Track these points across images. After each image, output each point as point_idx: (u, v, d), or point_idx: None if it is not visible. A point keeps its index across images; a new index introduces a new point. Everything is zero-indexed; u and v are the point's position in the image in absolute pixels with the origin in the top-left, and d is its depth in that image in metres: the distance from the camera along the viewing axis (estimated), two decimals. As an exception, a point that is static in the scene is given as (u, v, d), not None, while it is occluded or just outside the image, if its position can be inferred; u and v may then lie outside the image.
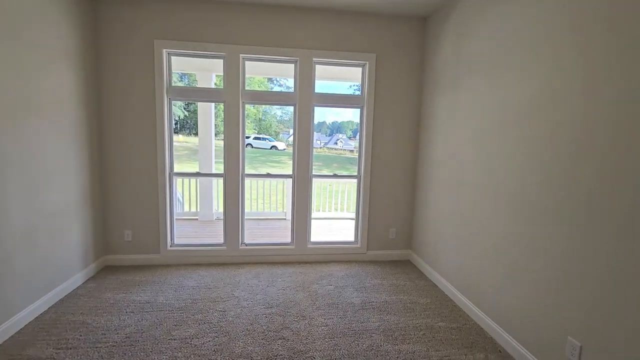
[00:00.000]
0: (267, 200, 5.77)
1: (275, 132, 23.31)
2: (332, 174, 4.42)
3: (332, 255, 3.72)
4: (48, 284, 2.55)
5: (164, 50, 3.24)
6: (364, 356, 2.09)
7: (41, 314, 2.44)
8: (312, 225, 3.81)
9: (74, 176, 2.85)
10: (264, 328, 2.36)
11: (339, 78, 5.10)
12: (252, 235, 4.61)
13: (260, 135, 19.53)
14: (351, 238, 3.97)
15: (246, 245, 3.63)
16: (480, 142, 2.54)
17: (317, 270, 3.44)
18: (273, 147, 18.46)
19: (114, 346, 2.11)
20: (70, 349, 2.07)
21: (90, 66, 3.04)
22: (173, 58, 3.40)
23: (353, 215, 5.74)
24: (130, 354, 2.04)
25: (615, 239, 1.51)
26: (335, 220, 5.62)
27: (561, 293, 1.79)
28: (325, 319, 2.51)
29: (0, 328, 2.10)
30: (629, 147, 1.45)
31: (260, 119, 23.43)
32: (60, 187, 2.67)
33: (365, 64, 3.55)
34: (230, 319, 2.47)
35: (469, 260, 2.67)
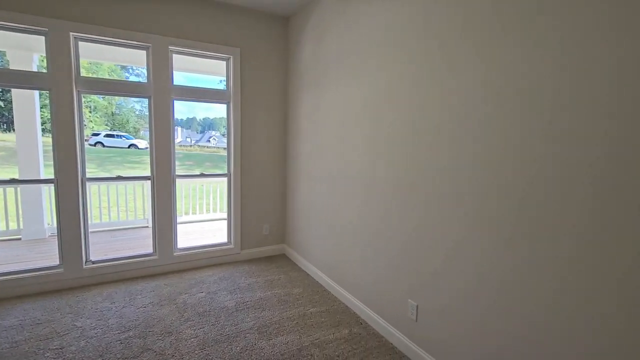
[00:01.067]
0: (122, 207, 4.96)
1: (134, 128, 20.36)
2: (198, 172, 4.12)
3: (204, 260, 3.48)
4: None
5: (-57, 13, 2.36)
6: (239, 359, 2.03)
7: None
8: (180, 230, 3.47)
9: None
10: (119, 356, 2.02)
11: (208, 72, 4.80)
12: (103, 249, 3.90)
13: (115, 132, 16.71)
14: (224, 239, 3.81)
15: (92, 263, 3.03)
16: (339, 137, 2.79)
17: (186, 278, 3.16)
18: (132, 145, 16.07)
19: None
20: None
21: None
22: (-40, 26, 2.52)
23: (225, 215, 5.54)
24: None
25: (438, 216, 1.88)
26: (208, 223, 5.30)
27: (401, 266, 2.14)
28: (195, 330, 2.33)
29: None
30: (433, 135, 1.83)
31: (113, 113, 20.05)
32: None
33: (230, 58, 3.43)
34: (70, 356, 2.02)
35: (333, 246, 2.91)
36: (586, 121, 1.22)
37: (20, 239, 4.13)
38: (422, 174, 1.96)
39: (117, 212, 4.91)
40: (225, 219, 5.34)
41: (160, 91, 3.12)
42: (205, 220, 5.39)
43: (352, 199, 2.63)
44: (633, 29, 1.10)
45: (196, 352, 2.09)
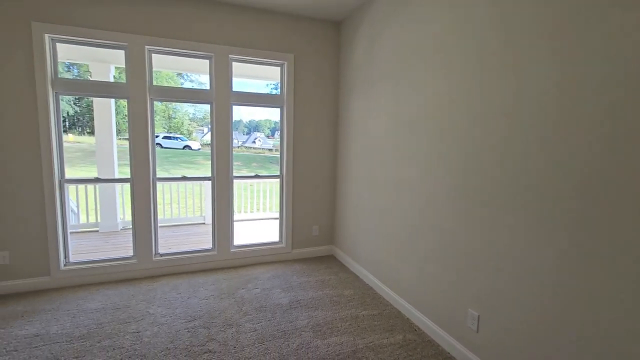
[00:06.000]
0: (182, 205, 5.35)
1: (188, 130, 21.74)
2: (253, 174, 4.32)
3: (257, 257, 3.64)
4: None
5: (47, 35, 2.73)
6: (295, 355, 2.11)
7: None
8: (235, 228, 3.67)
9: None
10: (187, 344, 2.20)
11: (256, 76, 5.02)
12: (167, 244, 4.23)
13: (171, 134, 17.99)
14: (275, 238, 3.95)
15: (161, 255, 3.31)
16: (392, 141, 2.77)
17: (242, 274, 3.33)
18: (186, 146, 17.20)
19: (-10, 396, 1.72)
20: None
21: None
22: (59, 45, 2.89)
23: (276, 215, 5.73)
24: (15, 402, 1.69)
25: (506, 229, 1.81)
26: (258, 221, 5.52)
27: (461, 273, 2.08)
28: (253, 324, 2.45)
29: None
30: (521, 142, 1.76)
31: (170, 117, 21.56)
32: None
33: (284, 63, 3.56)
34: (146, 339, 2.23)
35: (386, 251, 2.90)
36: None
37: (97, 231, 4.62)
38: (486, 179, 1.89)
39: (178, 209, 5.30)
40: (274, 219, 5.56)
41: (221, 97, 3.33)
42: (255, 219, 5.62)
43: (404, 203, 2.60)
44: None
45: (255, 345, 2.21)
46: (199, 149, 17.63)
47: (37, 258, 2.88)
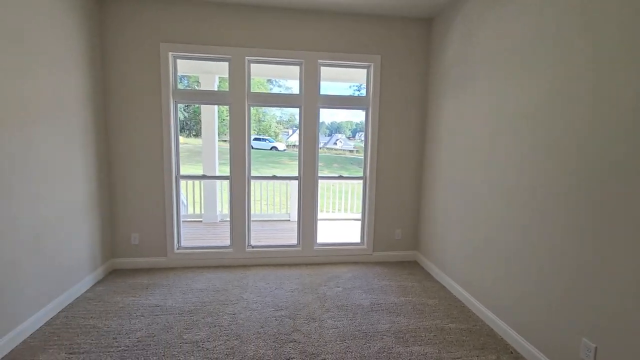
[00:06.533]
0: (270, 202, 5.77)
1: (274, 132, 23.28)
2: (337, 175, 4.42)
3: (339, 256, 3.72)
4: (57, 288, 2.55)
5: (170, 53, 3.23)
6: (376, 358, 2.10)
7: (51, 319, 2.43)
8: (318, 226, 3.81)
9: (81, 180, 2.84)
10: (275, 331, 2.37)
11: (339, 79, 5.12)
12: (257, 237, 4.61)
13: (260, 136, 19.50)
14: (356, 239, 3.97)
15: (252, 247, 3.63)
16: (489, 145, 2.55)
17: (324, 272, 3.44)
18: (273, 147, 18.44)
19: (125, 350, 2.11)
20: (83, 353, 2.07)
21: (96, 69, 3.03)
22: (177, 61, 3.39)
23: (357, 216, 5.76)
24: (143, 358, 2.04)
25: (629, 244, 1.51)
26: (339, 221, 5.63)
27: (574, 295, 1.80)
28: (335, 321, 2.51)
29: (9, 335, 2.09)
30: (643, 149, 1.46)
31: (259, 120, 23.39)
32: (67, 192, 2.67)
33: (370, 65, 3.56)
34: (241, 322, 2.47)
35: (479, 263, 2.67)
36: None
37: (201, 221, 5.28)
38: (610, 192, 1.60)
39: (267, 206, 5.73)
40: (355, 220, 5.60)
41: (309, 101, 3.49)
42: (335, 219, 5.74)
43: (505, 213, 2.36)
44: None
45: (337, 342, 2.26)
46: (284, 149, 18.73)
47: (157, 241, 3.43)
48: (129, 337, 2.24)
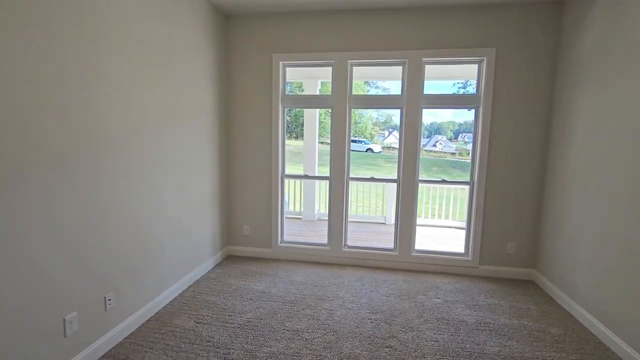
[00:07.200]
0: (366, 204, 5.78)
1: (370, 134, 23.24)
2: (439, 179, 4.16)
3: (438, 266, 3.49)
4: (189, 265, 3.04)
5: (281, 62, 3.53)
6: (483, 383, 1.90)
7: (183, 291, 2.92)
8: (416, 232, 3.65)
9: (209, 175, 3.33)
10: (370, 333, 2.36)
11: (440, 77, 4.81)
12: (352, 238, 4.67)
13: (356, 138, 19.72)
14: (460, 249, 3.66)
15: (348, 247, 3.69)
16: (636, 148, 2.05)
17: (421, 280, 3.28)
18: (369, 149, 18.43)
19: (238, 328, 2.39)
20: (206, 324, 2.42)
21: (222, 82, 3.51)
22: (286, 69, 3.68)
23: (459, 224, 5.33)
24: (252, 337, 2.27)
25: None
26: (437, 228, 5.29)
27: None
28: (434, 333, 2.37)
29: (157, 299, 2.58)
30: None
31: (355, 122, 23.68)
32: (200, 184, 3.16)
33: (483, 59, 3.24)
34: (337, 318, 2.54)
35: (626, 291, 2.18)
36: None
37: (300, 218, 5.62)
38: None
39: (362, 208, 5.76)
40: (458, 228, 5.19)
41: (411, 101, 3.37)
42: (434, 226, 5.41)
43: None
44: None
45: (437, 356, 2.12)
46: (380, 151, 18.53)
47: (264, 233, 3.78)
48: (241, 317, 2.53)
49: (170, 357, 2.06)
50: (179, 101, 2.77)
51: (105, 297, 2.08)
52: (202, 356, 2.07)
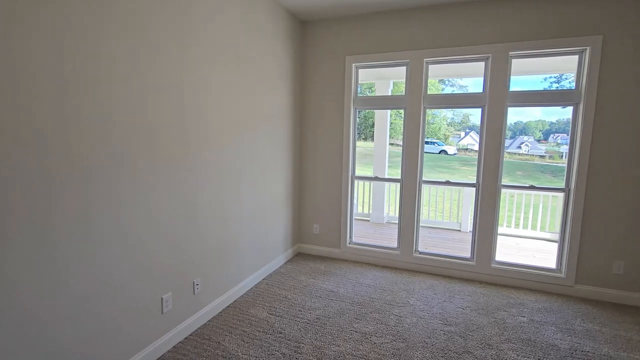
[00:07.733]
0: (439, 209, 5.48)
1: (444, 135, 21.96)
2: (526, 184, 3.75)
3: (522, 280, 3.15)
4: (263, 259, 3.24)
5: (353, 64, 3.55)
6: (579, 419, 1.66)
7: (258, 283, 3.12)
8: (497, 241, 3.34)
9: (284, 174, 3.51)
10: (443, 346, 2.23)
11: (528, 71, 4.32)
12: (424, 243, 4.48)
13: (429, 139, 18.83)
14: (550, 264, 3.25)
15: (420, 253, 3.54)
16: None
17: (502, 294, 2.99)
18: (442, 151, 17.45)
19: (307, 323, 2.47)
20: (278, 316, 2.56)
21: (297, 83, 3.68)
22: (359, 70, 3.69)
23: (549, 235, 4.73)
24: (321, 334, 2.33)
25: None
26: (523, 239, 4.76)
27: None
28: (517, 355, 2.14)
29: (235, 288, 2.81)
30: None
31: (428, 122, 22.58)
32: (275, 183, 3.35)
33: (585, 50, 2.84)
34: (407, 326, 2.46)
35: None
36: None
37: (369, 220, 5.57)
38: None
39: (435, 213, 5.48)
40: (549, 240, 4.62)
41: (494, 99, 3.10)
42: (518, 236, 4.89)
43: None
44: None
45: (521, 381, 1.92)
46: (455, 153, 17.41)
47: (333, 233, 3.84)
48: (310, 313, 2.61)
49: (247, 342, 2.22)
50: (259, 105, 2.98)
51: (194, 282, 2.34)
52: (274, 346, 2.19)
